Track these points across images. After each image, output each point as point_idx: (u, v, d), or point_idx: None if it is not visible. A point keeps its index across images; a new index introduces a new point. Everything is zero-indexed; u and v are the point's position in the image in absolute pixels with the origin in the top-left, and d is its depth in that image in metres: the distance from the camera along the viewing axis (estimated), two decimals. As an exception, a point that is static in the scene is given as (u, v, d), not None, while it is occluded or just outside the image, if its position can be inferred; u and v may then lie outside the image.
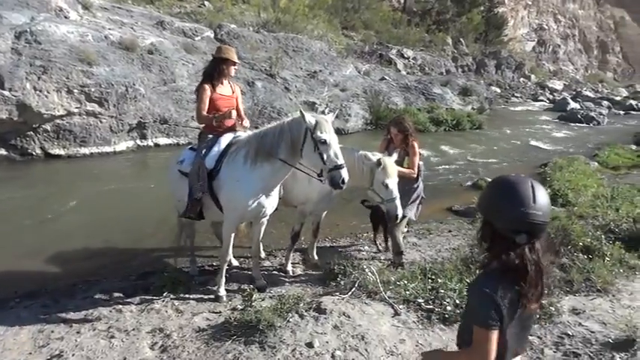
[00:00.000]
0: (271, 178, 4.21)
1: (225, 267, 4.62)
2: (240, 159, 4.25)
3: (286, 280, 5.15)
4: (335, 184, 3.86)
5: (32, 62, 10.00)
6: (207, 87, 4.62)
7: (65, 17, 12.69)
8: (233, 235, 4.47)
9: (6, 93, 9.44)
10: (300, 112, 4.00)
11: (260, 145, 4.17)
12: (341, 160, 3.86)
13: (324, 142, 3.85)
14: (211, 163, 4.40)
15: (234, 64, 4.76)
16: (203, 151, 4.51)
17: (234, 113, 4.59)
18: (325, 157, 3.86)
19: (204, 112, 4.61)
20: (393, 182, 4.53)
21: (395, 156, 4.79)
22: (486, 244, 1.76)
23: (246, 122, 4.85)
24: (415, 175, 5.12)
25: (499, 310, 1.62)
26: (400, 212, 4.57)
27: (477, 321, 1.68)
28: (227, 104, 4.68)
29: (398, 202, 4.54)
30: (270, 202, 4.37)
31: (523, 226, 1.63)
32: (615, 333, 3.66)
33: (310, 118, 3.96)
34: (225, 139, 4.58)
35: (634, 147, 15.95)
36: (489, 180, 1.87)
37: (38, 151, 10.08)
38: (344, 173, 3.84)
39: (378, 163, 4.52)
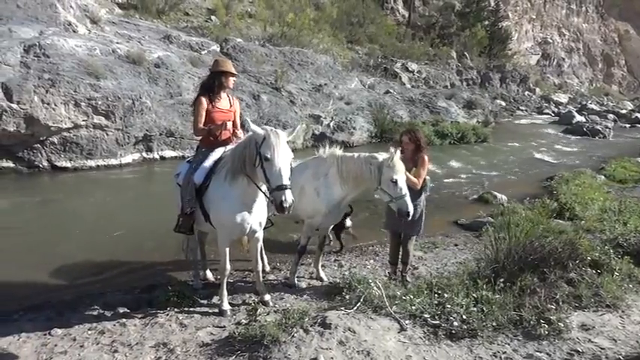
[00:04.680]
0: (245, 194, 4.12)
1: (226, 281, 4.60)
2: (223, 175, 4.22)
3: (291, 294, 5.11)
4: (277, 207, 3.66)
5: (40, 75, 10.10)
6: (204, 100, 4.62)
7: (74, 31, 12.85)
8: (228, 249, 4.44)
9: (14, 106, 9.52)
10: (248, 124, 3.86)
11: (232, 160, 4.12)
12: (285, 181, 3.63)
13: (267, 159, 3.69)
14: (200, 178, 4.40)
15: (233, 75, 4.76)
16: (194, 166, 4.53)
17: (229, 124, 4.58)
18: (268, 174, 3.70)
19: (201, 125, 4.61)
20: (401, 178, 4.52)
21: (399, 154, 4.70)
22: None
23: (240, 134, 4.80)
24: (419, 187, 5.06)
25: None
26: (411, 209, 4.54)
27: None
28: (223, 117, 4.66)
29: (408, 198, 4.52)
30: (255, 218, 4.28)
31: None
32: (626, 350, 3.59)
33: (259, 131, 3.80)
34: (216, 154, 4.57)
35: (641, 160, 15.85)
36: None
37: (45, 163, 10.13)
38: (287, 196, 3.59)
39: (387, 159, 4.51)
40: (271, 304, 4.69)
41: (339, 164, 4.80)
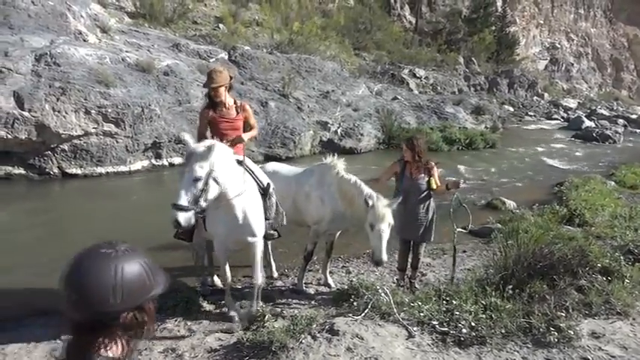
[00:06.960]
0: (233, 208, 4.15)
1: (229, 288, 4.62)
2: None
3: (299, 300, 5.12)
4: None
5: (51, 84, 10.24)
6: (208, 111, 4.69)
7: (84, 40, 13.03)
8: (226, 259, 4.46)
9: (25, 114, 9.66)
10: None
11: None
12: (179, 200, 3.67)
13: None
14: None
15: (221, 86, 4.67)
16: None
17: (244, 136, 4.66)
18: None
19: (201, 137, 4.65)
20: (382, 226, 4.38)
21: (386, 201, 4.52)
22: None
23: (251, 134, 4.90)
24: (444, 188, 5.10)
25: None
26: (385, 259, 4.44)
27: None
28: (229, 126, 4.70)
29: (384, 248, 4.40)
30: (247, 229, 4.27)
31: None
32: (637, 358, 3.55)
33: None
34: None
35: (651, 166, 15.65)
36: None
37: (55, 170, 10.24)
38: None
39: (366, 202, 4.41)
40: (268, 311, 4.55)
41: (339, 183, 4.81)
